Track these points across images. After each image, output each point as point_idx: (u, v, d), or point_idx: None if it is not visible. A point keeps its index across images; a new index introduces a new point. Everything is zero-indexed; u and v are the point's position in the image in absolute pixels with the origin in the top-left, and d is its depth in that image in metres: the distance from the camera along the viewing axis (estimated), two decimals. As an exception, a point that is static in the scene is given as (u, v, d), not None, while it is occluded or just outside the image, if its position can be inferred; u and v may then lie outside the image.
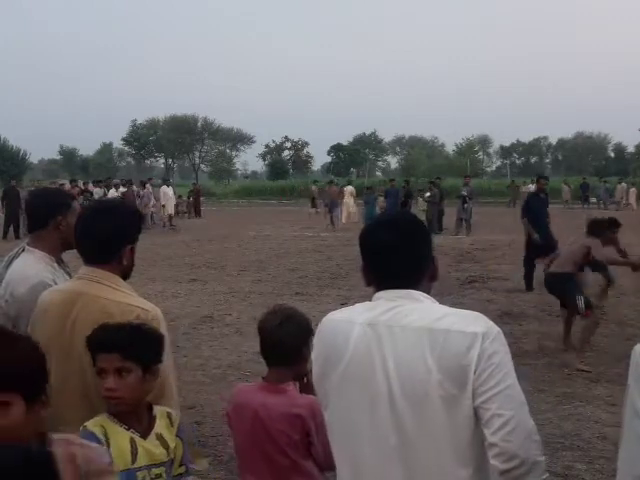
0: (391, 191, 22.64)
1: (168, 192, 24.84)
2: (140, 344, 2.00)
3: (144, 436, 2.02)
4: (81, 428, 1.99)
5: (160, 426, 2.07)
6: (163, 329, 2.25)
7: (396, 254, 1.73)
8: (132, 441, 1.99)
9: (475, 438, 1.58)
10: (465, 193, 20.68)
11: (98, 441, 1.91)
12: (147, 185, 25.44)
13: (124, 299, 2.23)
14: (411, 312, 1.66)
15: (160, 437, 2.04)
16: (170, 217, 24.57)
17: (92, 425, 1.99)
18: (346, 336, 1.70)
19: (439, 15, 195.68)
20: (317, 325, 2.38)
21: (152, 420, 2.07)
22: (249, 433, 2.29)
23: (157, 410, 2.10)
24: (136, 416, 2.03)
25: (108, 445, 1.94)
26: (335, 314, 1.82)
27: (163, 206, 24.55)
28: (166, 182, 27.39)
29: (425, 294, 1.73)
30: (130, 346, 1.97)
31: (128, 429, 2.00)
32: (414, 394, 1.60)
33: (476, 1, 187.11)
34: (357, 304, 1.82)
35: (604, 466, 4.11)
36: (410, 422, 1.61)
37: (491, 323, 1.63)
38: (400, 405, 1.61)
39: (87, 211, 2.47)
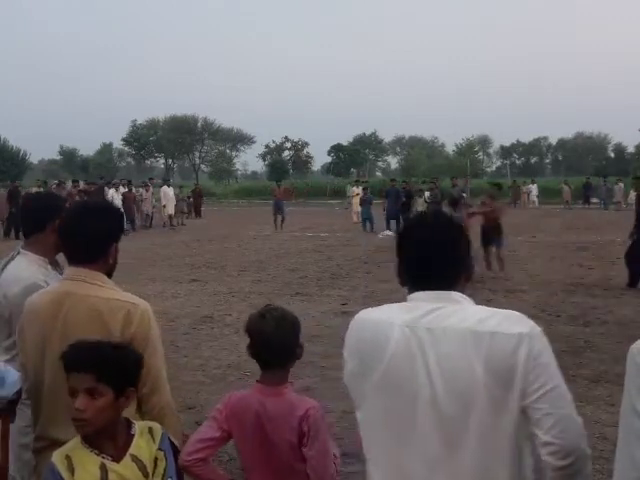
0: (391, 191, 22.63)
1: (168, 192, 24.87)
2: (116, 366, 1.91)
3: (117, 459, 1.93)
4: (52, 458, 1.93)
5: (137, 446, 1.97)
6: (153, 323, 2.26)
7: (436, 255, 1.72)
8: (102, 467, 1.90)
9: (517, 438, 1.59)
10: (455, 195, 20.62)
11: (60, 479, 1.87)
12: (150, 188, 25.44)
13: (112, 295, 2.24)
14: (452, 314, 1.65)
15: (136, 459, 1.95)
16: (170, 217, 24.58)
17: (58, 457, 1.92)
18: (385, 337, 1.68)
19: (439, 15, 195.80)
20: (300, 324, 2.34)
21: (129, 439, 1.97)
22: (250, 438, 2.26)
23: (137, 427, 2.01)
24: (110, 437, 1.94)
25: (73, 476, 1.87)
26: (370, 313, 1.79)
27: (164, 206, 24.57)
28: (166, 182, 27.41)
29: (463, 295, 1.72)
30: (105, 367, 1.89)
31: (99, 454, 1.91)
32: (460, 397, 1.59)
33: (476, 1, 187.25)
34: (393, 304, 1.80)
35: (604, 466, 4.10)
36: (455, 424, 1.60)
37: (532, 323, 1.63)
38: (444, 407, 1.60)
39: (73, 212, 2.45)
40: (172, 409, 2.33)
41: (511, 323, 1.61)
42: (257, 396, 2.28)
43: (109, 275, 2.35)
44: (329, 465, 2.24)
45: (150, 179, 27.59)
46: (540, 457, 1.59)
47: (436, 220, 1.82)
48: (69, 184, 25.03)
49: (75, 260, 2.31)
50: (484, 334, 1.59)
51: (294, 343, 2.30)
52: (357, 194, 26.25)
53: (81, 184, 25.26)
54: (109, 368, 1.90)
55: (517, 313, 1.67)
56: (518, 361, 1.56)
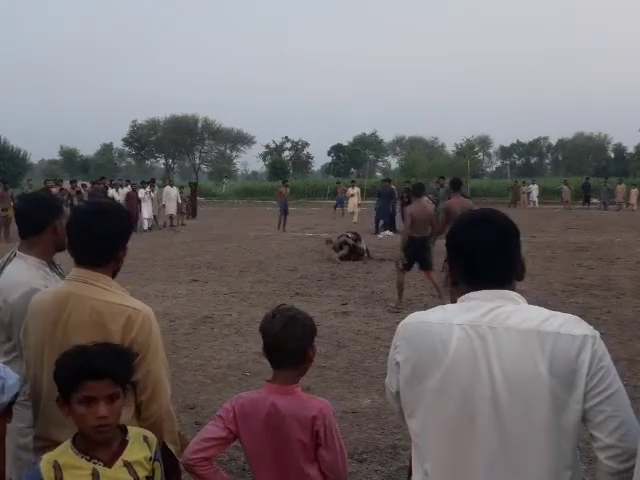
0: (383, 191, 22.53)
1: (171, 192, 24.75)
2: (124, 365, 1.93)
3: (109, 464, 1.88)
4: (40, 463, 1.88)
5: (131, 452, 1.93)
6: (154, 329, 2.24)
7: (494, 253, 1.70)
8: (94, 473, 1.86)
9: (576, 440, 1.60)
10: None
11: None
12: (155, 188, 25.34)
13: (114, 299, 2.22)
14: (512, 314, 1.63)
15: (129, 465, 1.91)
16: (171, 217, 24.55)
17: (45, 465, 1.86)
18: (445, 339, 1.65)
19: (439, 15, 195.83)
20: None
21: (123, 445, 1.94)
22: (261, 438, 2.23)
23: (132, 433, 1.98)
24: (104, 442, 1.90)
25: None
26: (424, 316, 1.75)
27: (163, 206, 24.53)
28: (169, 183, 27.36)
29: (519, 295, 1.71)
30: (119, 369, 1.89)
31: (90, 459, 1.87)
32: (523, 397, 1.58)
33: (476, 1, 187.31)
34: (445, 305, 1.77)
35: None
36: (516, 425, 1.58)
37: (590, 326, 1.63)
38: (506, 408, 1.59)
39: (83, 213, 2.38)
40: (171, 415, 2.31)
41: (574, 325, 1.61)
42: (268, 396, 2.25)
43: (114, 275, 2.34)
44: (346, 462, 2.26)
45: (152, 179, 27.28)
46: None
47: (492, 218, 1.77)
48: (66, 184, 25.00)
49: (83, 262, 2.28)
50: (549, 335, 1.58)
51: (305, 344, 2.27)
52: (352, 195, 26.33)
53: (87, 185, 25.23)
54: (122, 370, 1.91)
55: (574, 315, 1.66)
56: (582, 364, 1.56)
